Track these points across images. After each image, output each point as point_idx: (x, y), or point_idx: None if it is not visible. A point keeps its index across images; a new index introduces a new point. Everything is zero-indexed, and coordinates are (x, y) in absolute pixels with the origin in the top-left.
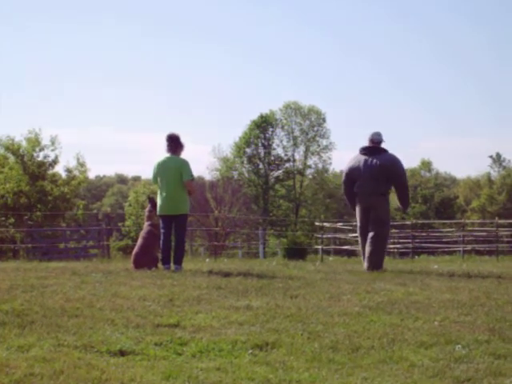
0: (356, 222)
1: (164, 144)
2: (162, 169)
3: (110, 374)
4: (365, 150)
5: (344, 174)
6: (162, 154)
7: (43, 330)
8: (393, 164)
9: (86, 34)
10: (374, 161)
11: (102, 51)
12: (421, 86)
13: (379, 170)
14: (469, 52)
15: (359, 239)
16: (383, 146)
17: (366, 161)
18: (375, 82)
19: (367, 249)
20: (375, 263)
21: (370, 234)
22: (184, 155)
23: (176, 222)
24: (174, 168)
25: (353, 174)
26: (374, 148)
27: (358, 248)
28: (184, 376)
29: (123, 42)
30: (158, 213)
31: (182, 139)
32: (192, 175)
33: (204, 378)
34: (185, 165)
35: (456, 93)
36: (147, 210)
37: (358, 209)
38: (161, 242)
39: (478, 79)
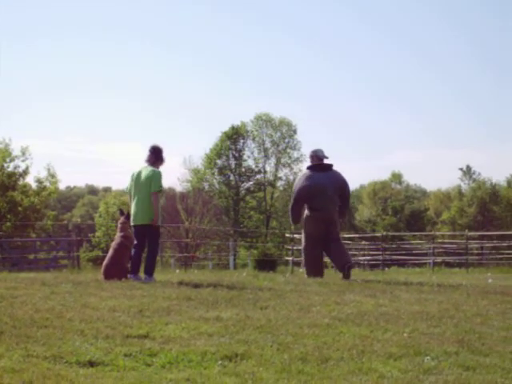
0: (303, 236)
1: (145, 154)
2: (136, 178)
3: None
4: (317, 168)
5: (300, 191)
6: (140, 164)
7: (12, 340)
8: (345, 180)
9: (60, 43)
10: (334, 177)
11: (74, 60)
12: (391, 96)
13: (339, 186)
14: (444, 60)
15: (310, 253)
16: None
17: (326, 178)
18: (345, 93)
19: (339, 254)
20: (350, 260)
21: (336, 243)
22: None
23: (148, 232)
24: (145, 178)
25: (312, 191)
26: (326, 165)
27: (303, 261)
28: None
29: (96, 51)
30: (131, 223)
31: (164, 154)
32: (160, 186)
33: None
34: (155, 175)
35: (427, 104)
36: (120, 221)
37: (315, 224)
38: (132, 251)
39: (450, 90)
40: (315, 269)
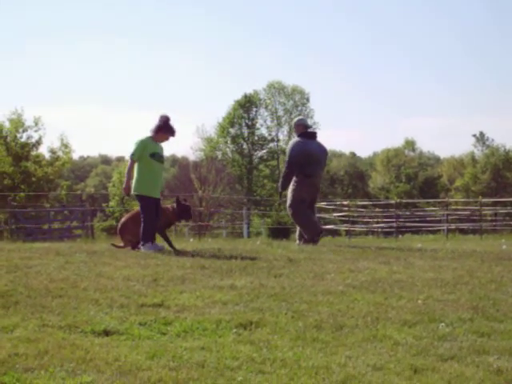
0: (293, 201)
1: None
2: None
3: (94, 354)
4: (308, 136)
5: (298, 158)
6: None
7: (27, 310)
8: (326, 149)
9: (71, 10)
10: (321, 146)
11: (86, 27)
12: (404, 63)
13: (325, 154)
14: (456, 26)
15: (303, 216)
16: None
17: (317, 146)
18: (359, 60)
19: (315, 220)
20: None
21: (312, 209)
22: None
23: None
24: None
25: (308, 158)
26: (314, 133)
27: (295, 227)
28: (168, 355)
29: (109, 18)
30: None
31: (168, 124)
32: (132, 154)
33: (188, 358)
34: (134, 144)
35: (440, 71)
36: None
37: (307, 189)
38: None
39: (464, 56)
40: (312, 226)
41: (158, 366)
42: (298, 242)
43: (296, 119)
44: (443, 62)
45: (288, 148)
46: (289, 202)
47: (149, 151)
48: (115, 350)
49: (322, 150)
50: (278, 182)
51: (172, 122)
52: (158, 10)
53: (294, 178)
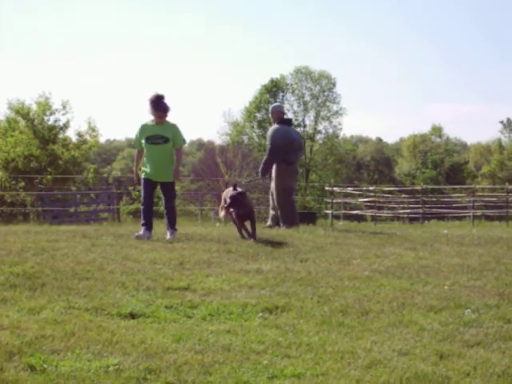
0: (280, 189)
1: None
2: None
3: (120, 336)
4: (287, 123)
5: (282, 145)
6: (174, 117)
7: (54, 292)
8: (300, 135)
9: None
10: (297, 133)
11: (111, 12)
12: (431, 48)
13: (302, 141)
14: (484, 13)
15: (291, 204)
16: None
17: (295, 133)
18: (385, 45)
19: (296, 207)
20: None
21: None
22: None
23: None
24: None
25: (290, 145)
26: (290, 120)
27: (273, 210)
28: (194, 338)
29: (133, 5)
30: None
31: (155, 104)
32: (134, 142)
33: (214, 341)
34: None
35: (467, 56)
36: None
37: (292, 176)
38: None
39: (491, 42)
40: (297, 218)
41: (183, 349)
42: (269, 223)
43: (273, 105)
44: (471, 47)
45: (269, 135)
46: (277, 190)
47: (144, 135)
48: (141, 332)
49: (299, 136)
50: (259, 168)
51: (162, 99)
52: None
53: (276, 166)
